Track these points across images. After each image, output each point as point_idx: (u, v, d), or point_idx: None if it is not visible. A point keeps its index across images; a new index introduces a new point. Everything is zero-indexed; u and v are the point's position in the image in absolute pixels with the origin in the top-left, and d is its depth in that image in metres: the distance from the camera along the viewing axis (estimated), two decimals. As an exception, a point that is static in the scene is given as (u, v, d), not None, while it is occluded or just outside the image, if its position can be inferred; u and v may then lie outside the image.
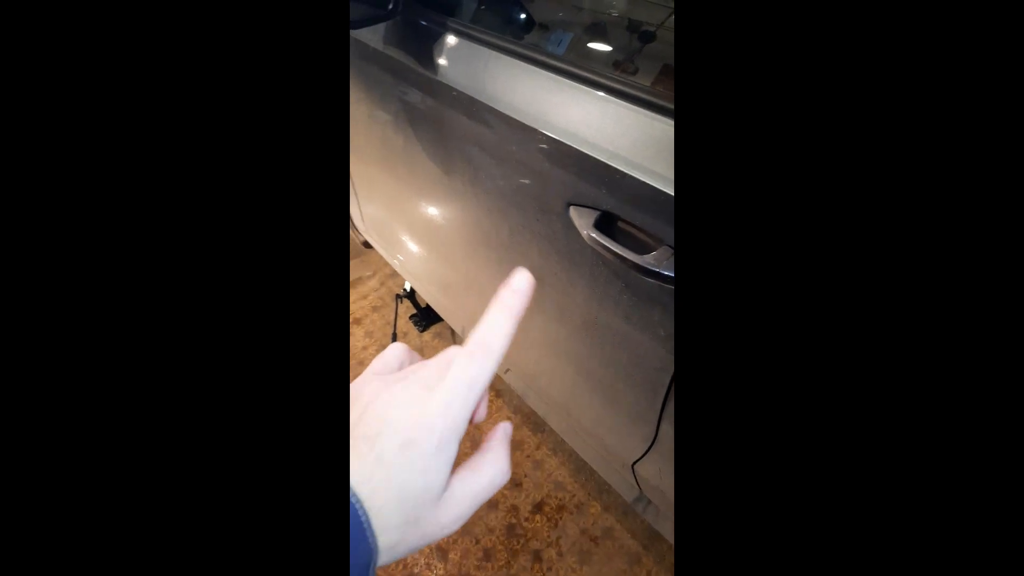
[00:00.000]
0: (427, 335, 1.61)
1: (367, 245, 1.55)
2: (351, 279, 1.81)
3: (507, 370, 1.09)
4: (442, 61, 0.80)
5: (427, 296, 1.31)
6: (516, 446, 1.33)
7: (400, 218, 1.19)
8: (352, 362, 1.54)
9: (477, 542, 1.17)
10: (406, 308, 1.65)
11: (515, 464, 1.30)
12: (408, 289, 1.58)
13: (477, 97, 0.73)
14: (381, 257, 1.83)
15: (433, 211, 1.01)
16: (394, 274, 1.83)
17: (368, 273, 1.83)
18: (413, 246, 1.21)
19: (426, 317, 1.63)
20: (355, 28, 0.82)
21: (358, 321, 1.66)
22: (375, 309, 1.70)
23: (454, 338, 1.60)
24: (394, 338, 1.51)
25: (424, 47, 0.83)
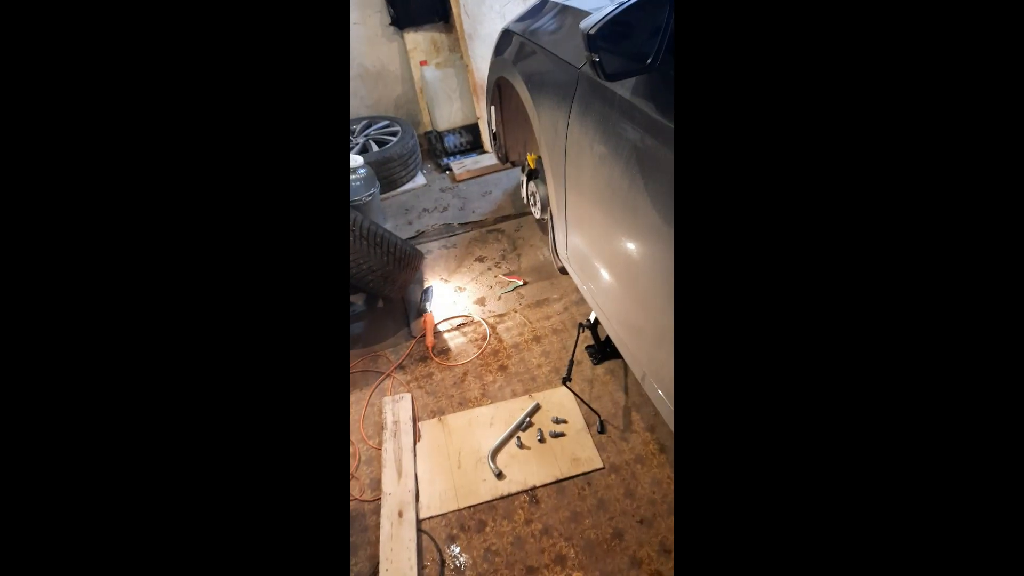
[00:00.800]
0: (599, 369, 1.62)
1: (563, 271, 1.64)
2: (539, 299, 1.93)
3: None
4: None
5: (610, 331, 1.33)
6: (672, 511, 1.25)
7: (603, 251, 1.23)
8: (525, 377, 1.64)
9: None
10: (585, 338, 1.69)
11: (667, 530, 1.22)
12: (592, 320, 1.61)
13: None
14: (571, 284, 1.92)
15: (641, 254, 1.02)
16: (580, 301, 1.89)
17: (555, 296, 1.93)
18: (609, 280, 1.24)
19: (602, 351, 1.65)
20: (611, 80, 0.89)
21: (538, 339, 1.76)
22: (555, 331, 1.78)
23: (626, 378, 1.58)
24: (571, 365, 1.55)
25: (669, 99, 0.86)
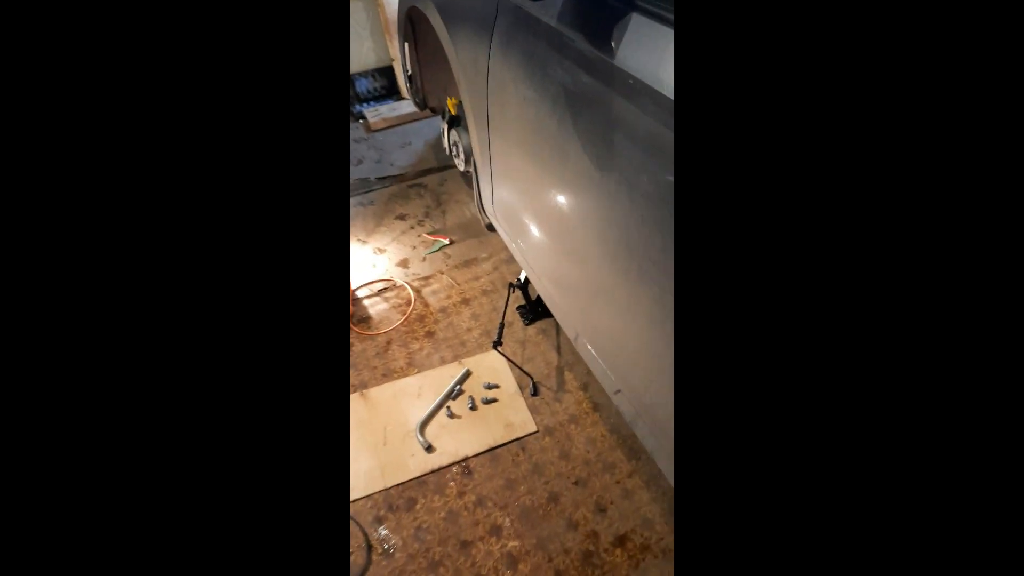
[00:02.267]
0: (531, 329, 1.56)
1: (491, 228, 1.52)
2: (467, 258, 1.81)
3: (617, 391, 1.00)
4: (622, 44, 0.71)
5: (541, 290, 1.25)
6: (607, 468, 1.24)
7: (532, 204, 1.13)
8: (455, 342, 1.54)
9: (550, 560, 1.10)
10: (516, 298, 1.61)
11: (603, 488, 1.21)
12: (522, 280, 1.53)
13: (657, 89, 0.64)
14: (500, 241, 1.81)
15: (572, 205, 0.93)
16: (510, 259, 1.80)
17: (484, 255, 1.82)
18: (539, 236, 1.15)
19: (534, 311, 1.58)
20: (535, -1, 0.76)
21: (467, 302, 1.66)
22: (484, 292, 1.69)
23: (559, 337, 1.53)
24: (501, 328, 1.47)
25: (604, 27, 0.75)
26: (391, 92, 2.74)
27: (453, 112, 1.70)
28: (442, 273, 1.76)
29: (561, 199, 0.97)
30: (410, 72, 1.89)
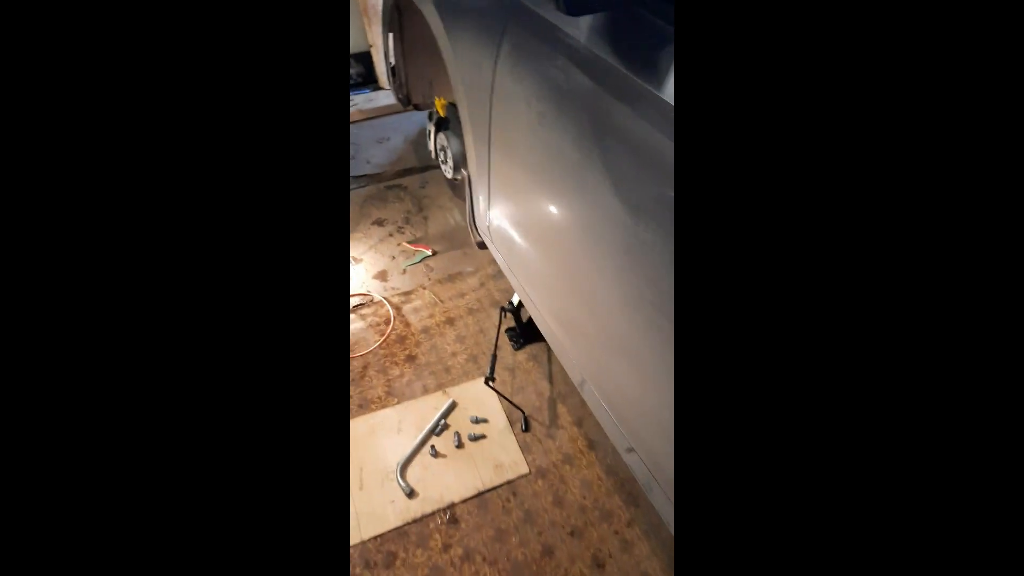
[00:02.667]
0: (521, 355, 1.45)
1: (482, 246, 1.40)
2: (451, 272, 1.68)
3: (630, 450, 0.91)
4: (670, 75, 0.60)
5: (541, 324, 1.15)
6: (604, 517, 1.15)
7: (538, 234, 1.01)
8: (438, 368, 1.41)
9: (546, 625, 1.01)
10: (505, 320, 1.49)
11: (600, 540, 1.12)
12: (515, 304, 1.42)
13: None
14: (486, 254, 1.69)
15: (592, 246, 0.82)
16: (497, 274, 1.68)
17: (470, 268, 1.69)
18: (543, 268, 1.03)
19: (525, 334, 1.47)
20: (575, 14, 0.64)
21: (451, 322, 1.53)
22: (471, 311, 1.56)
23: (551, 364, 1.43)
24: (493, 361, 1.36)
25: (649, 53, 0.63)
26: (368, 81, 2.54)
27: (442, 114, 1.56)
28: (424, 288, 1.63)
29: (577, 236, 0.86)
30: (393, 64, 1.72)
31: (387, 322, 1.52)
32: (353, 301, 1.58)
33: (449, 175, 1.60)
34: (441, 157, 1.62)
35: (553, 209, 0.91)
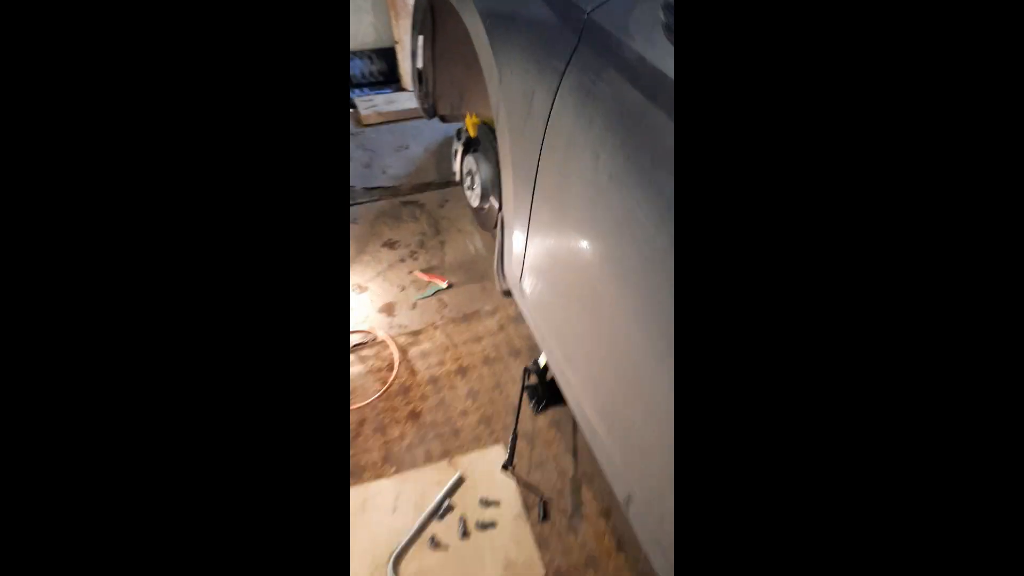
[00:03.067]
0: (542, 420, 1.26)
1: (507, 295, 1.20)
2: (467, 310, 1.48)
3: (628, 497, 0.71)
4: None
5: (580, 417, 0.95)
6: (590, 563, 0.96)
7: (591, 309, 0.81)
8: (445, 430, 1.22)
9: None
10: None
11: (629, 678, 0.92)
12: (540, 365, 1.22)
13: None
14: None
15: (662, 339, 0.62)
16: (519, 317, 1.48)
17: (488, 307, 1.50)
18: (592, 350, 0.83)
19: (548, 394, 1.27)
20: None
21: (463, 372, 1.34)
22: (486, 360, 1.37)
23: (576, 436, 1.23)
24: (514, 442, 1.16)
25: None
26: (389, 80, 2.34)
27: (473, 133, 1.36)
28: (435, 328, 1.43)
29: (641, 325, 0.66)
30: (420, 68, 1.52)
31: (390, 368, 1.32)
32: (353, 339, 1.38)
33: (475, 203, 1.41)
34: (467, 182, 1.42)
35: (613, 289, 0.71)
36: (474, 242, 1.69)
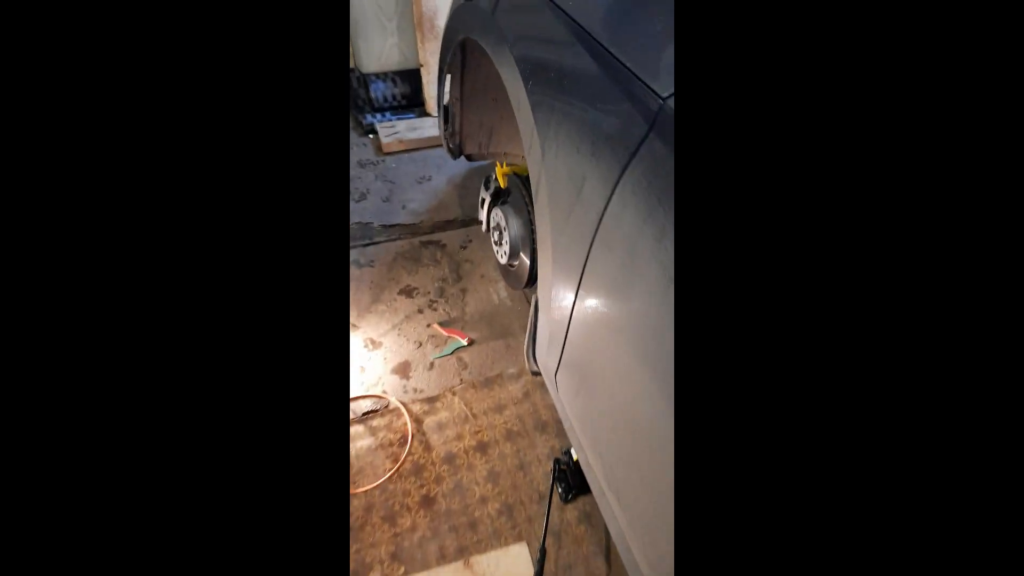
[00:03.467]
0: (571, 511, 1.11)
1: (536, 374, 1.07)
2: (489, 373, 1.35)
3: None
4: None
5: (613, 529, 0.80)
6: None
7: (647, 432, 0.67)
8: (461, 520, 1.08)
9: None
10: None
11: None
12: (570, 457, 1.08)
13: None
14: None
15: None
16: (545, 384, 1.34)
17: (512, 370, 1.36)
18: (647, 477, 0.69)
19: (578, 481, 1.13)
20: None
21: (484, 448, 1.20)
22: (509, 435, 1.23)
23: (608, 535, 1.08)
24: (542, 557, 1.02)
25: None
26: (413, 103, 2.23)
27: (503, 183, 1.23)
28: (454, 394, 1.30)
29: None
30: (446, 103, 1.40)
31: (403, 442, 1.20)
32: (364, 405, 1.26)
33: (503, 260, 1.27)
34: (495, 236, 1.29)
35: (667, 421, 0.57)
36: (498, 291, 1.56)
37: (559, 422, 1.26)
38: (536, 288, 0.90)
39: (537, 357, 1.01)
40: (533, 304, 0.93)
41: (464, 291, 1.55)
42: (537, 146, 0.77)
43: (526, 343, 1.01)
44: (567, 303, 0.80)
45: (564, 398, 0.90)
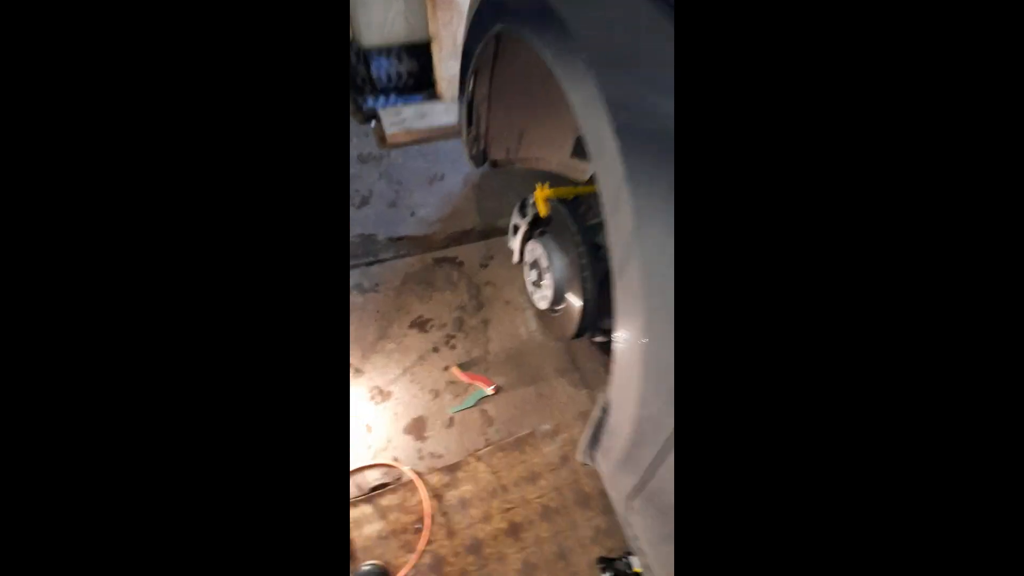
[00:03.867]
0: (622, 615, 0.92)
1: (587, 465, 0.85)
2: (518, 431, 1.13)
3: None
4: None
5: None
6: None
7: None
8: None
9: None
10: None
11: None
12: (628, 566, 0.87)
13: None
14: (569, 396, 1.14)
15: None
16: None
17: (546, 425, 1.15)
18: None
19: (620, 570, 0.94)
20: None
21: (516, 531, 1.00)
22: (546, 515, 1.03)
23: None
24: None
25: None
26: (421, 83, 1.92)
27: (543, 212, 0.97)
28: (478, 459, 1.09)
29: None
30: (469, 102, 1.13)
31: (418, 525, 0.99)
32: (371, 478, 1.05)
33: (543, 305, 1.04)
34: (532, 275, 1.05)
35: None
36: (525, 322, 1.33)
37: (603, 494, 1.06)
38: (609, 387, 0.67)
39: (598, 460, 0.79)
40: (600, 405, 0.70)
41: (486, 322, 1.32)
42: (629, 216, 0.52)
43: (584, 440, 0.79)
44: (661, 423, 0.57)
45: (643, 535, 0.69)
